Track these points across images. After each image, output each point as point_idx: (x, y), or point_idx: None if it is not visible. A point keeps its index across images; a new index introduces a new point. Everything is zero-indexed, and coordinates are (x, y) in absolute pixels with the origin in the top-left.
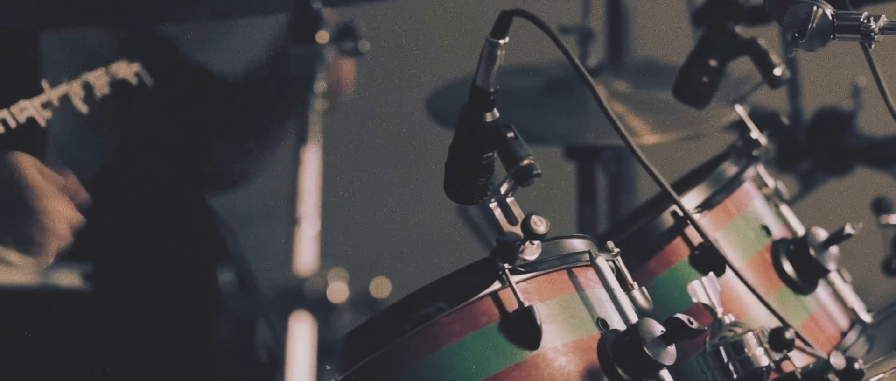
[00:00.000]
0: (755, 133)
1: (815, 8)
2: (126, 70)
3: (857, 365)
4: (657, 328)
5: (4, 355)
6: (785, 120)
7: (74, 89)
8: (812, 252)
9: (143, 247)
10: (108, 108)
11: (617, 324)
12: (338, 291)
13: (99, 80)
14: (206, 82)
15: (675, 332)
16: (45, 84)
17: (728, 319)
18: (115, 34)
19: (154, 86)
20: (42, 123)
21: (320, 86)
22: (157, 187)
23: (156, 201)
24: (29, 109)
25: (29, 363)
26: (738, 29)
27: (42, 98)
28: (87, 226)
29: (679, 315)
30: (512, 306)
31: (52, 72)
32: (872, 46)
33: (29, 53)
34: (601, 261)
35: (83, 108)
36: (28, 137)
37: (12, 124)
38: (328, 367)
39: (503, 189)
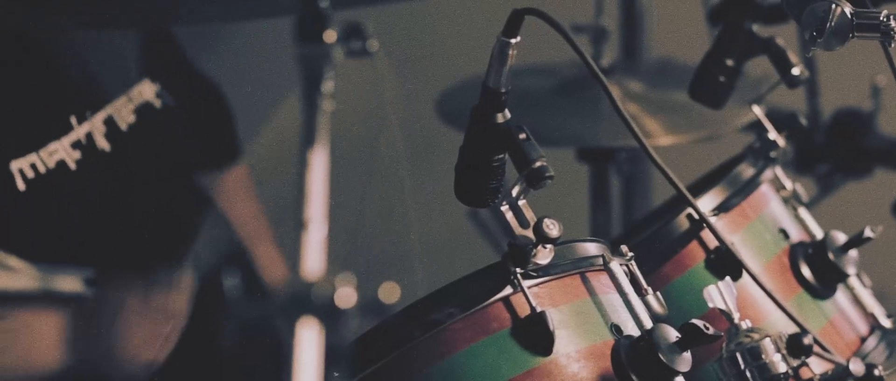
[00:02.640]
0: (773, 134)
1: (833, 6)
2: (149, 91)
3: (876, 372)
4: (672, 334)
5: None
6: (803, 121)
7: (96, 125)
8: (831, 256)
9: (147, 251)
10: (135, 137)
11: (631, 330)
12: (346, 296)
13: (123, 109)
14: (221, 96)
15: (691, 338)
16: (73, 120)
17: (745, 324)
18: (133, 53)
19: (175, 105)
20: (72, 166)
21: (328, 86)
22: (165, 191)
23: (161, 204)
24: (59, 151)
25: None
26: (756, 28)
27: (71, 137)
28: (90, 230)
29: (695, 321)
30: (524, 311)
31: (77, 104)
32: (892, 46)
33: (55, 85)
34: (615, 265)
35: (106, 146)
36: (58, 183)
37: (42, 170)
38: (336, 374)
39: (515, 192)
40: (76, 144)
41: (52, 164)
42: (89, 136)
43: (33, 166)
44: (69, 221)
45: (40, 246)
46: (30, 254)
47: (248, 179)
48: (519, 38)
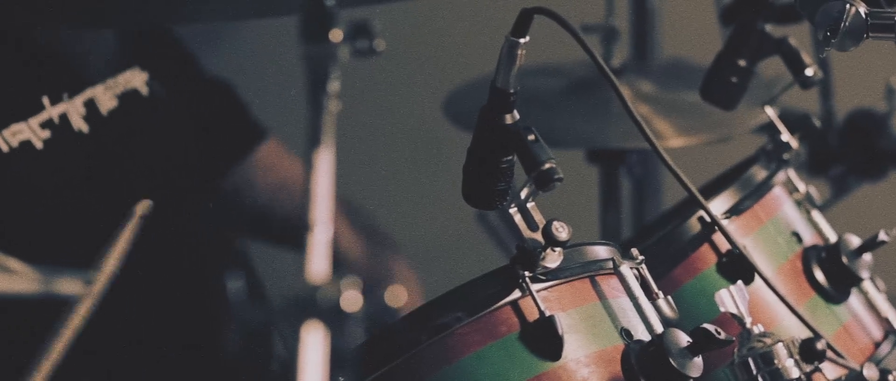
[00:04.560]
0: (785, 136)
1: (848, 6)
2: (137, 79)
3: (891, 377)
4: (683, 339)
5: (7, 365)
6: (816, 122)
7: (75, 107)
8: (844, 260)
9: (150, 254)
10: (116, 122)
11: (641, 334)
12: (351, 300)
13: (105, 93)
14: (218, 88)
15: (702, 343)
16: (45, 101)
17: (757, 329)
18: (123, 42)
19: (165, 95)
20: (39, 145)
21: (333, 86)
22: (166, 195)
23: (163, 206)
24: (24, 131)
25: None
26: (768, 28)
27: (41, 117)
28: (90, 232)
29: (706, 325)
30: (532, 315)
31: (53, 86)
32: None
33: (28, 67)
34: (625, 269)
35: (84, 127)
36: (22, 162)
37: (4, 149)
38: (341, 379)
39: (523, 194)
40: (46, 124)
41: (15, 143)
42: (64, 117)
43: None
44: (42, 199)
45: (13, 227)
46: (3, 236)
47: (281, 149)
48: (528, 38)
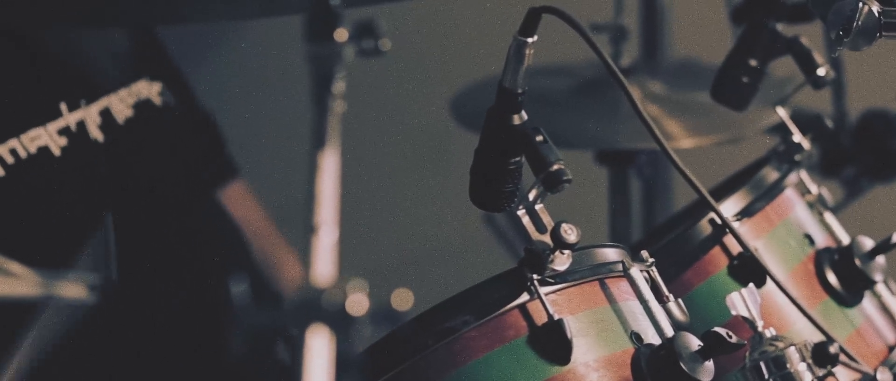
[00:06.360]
0: (797, 137)
1: (860, 5)
2: (149, 90)
3: None
4: (694, 343)
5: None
6: (829, 123)
7: (91, 115)
8: (857, 262)
9: (153, 257)
10: (131, 131)
11: (651, 338)
12: (357, 303)
13: (121, 102)
14: (201, 118)
15: (713, 346)
16: (63, 107)
17: (769, 333)
18: (136, 51)
19: (176, 106)
20: (56, 151)
21: (339, 86)
22: (170, 197)
23: (167, 209)
24: (42, 136)
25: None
26: (780, 27)
27: (59, 123)
28: (82, 218)
29: (717, 329)
30: (541, 319)
31: (71, 93)
32: None
33: (47, 72)
34: (635, 271)
35: (100, 135)
36: (40, 168)
37: (23, 155)
38: None
39: (531, 196)
40: (64, 131)
41: (33, 149)
42: (81, 124)
43: (13, 151)
44: (56, 206)
45: (27, 234)
46: (17, 243)
47: (247, 193)
48: (536, 38)
